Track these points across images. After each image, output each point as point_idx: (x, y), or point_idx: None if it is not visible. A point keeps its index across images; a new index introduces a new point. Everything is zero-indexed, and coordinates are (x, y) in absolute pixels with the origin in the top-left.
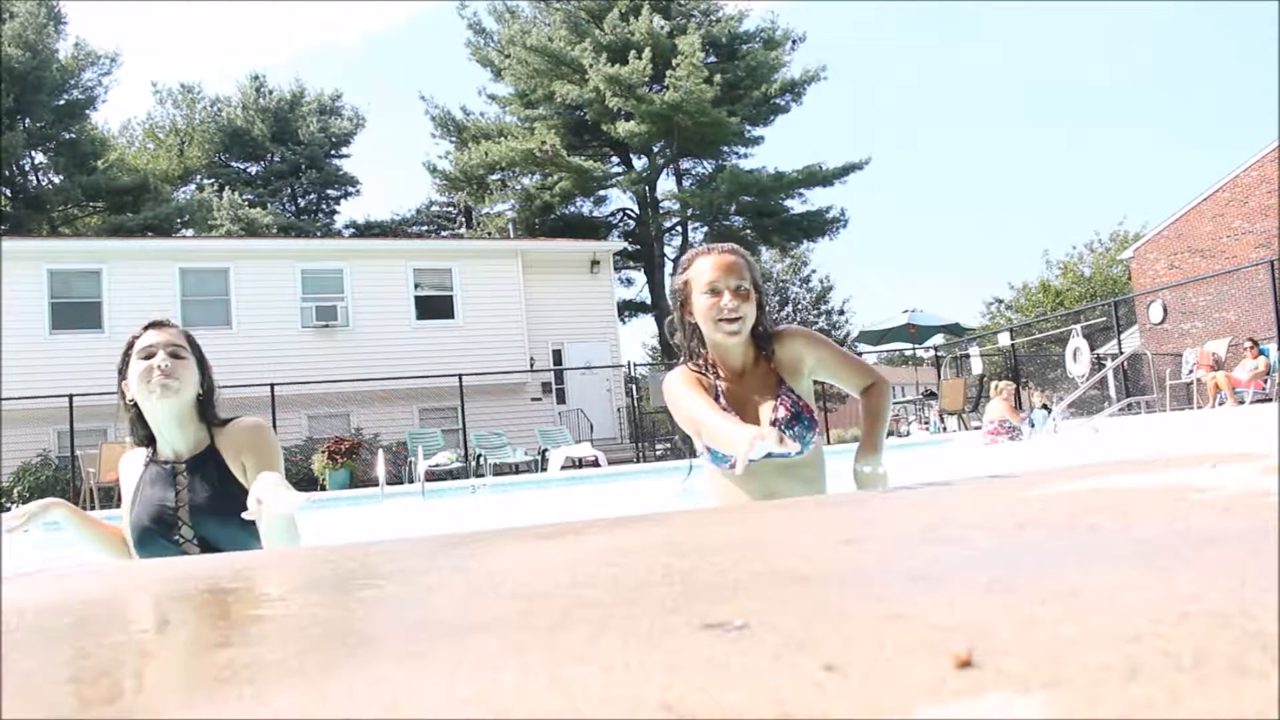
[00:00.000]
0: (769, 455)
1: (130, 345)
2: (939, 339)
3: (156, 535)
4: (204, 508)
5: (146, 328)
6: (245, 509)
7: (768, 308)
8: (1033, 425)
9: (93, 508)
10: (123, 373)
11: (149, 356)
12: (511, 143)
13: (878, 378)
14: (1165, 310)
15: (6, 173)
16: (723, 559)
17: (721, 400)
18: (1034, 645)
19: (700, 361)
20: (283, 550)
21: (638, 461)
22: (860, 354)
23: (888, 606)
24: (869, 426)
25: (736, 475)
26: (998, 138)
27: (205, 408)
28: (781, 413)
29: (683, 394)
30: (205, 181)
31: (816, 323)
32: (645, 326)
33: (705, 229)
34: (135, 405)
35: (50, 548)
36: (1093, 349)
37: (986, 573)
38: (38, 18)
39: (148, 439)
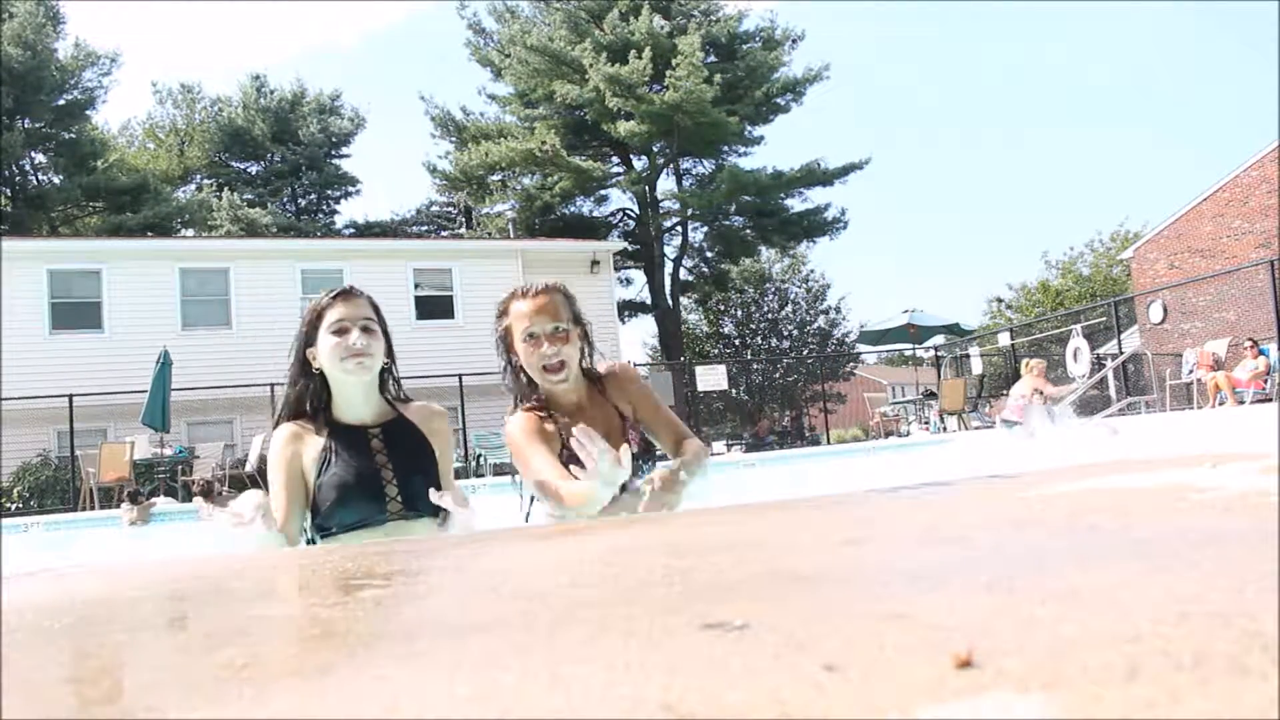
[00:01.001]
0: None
1: (319, 315)
2: (939, 339)
3: (362, 496)
4: (408, 468)
5: (335, 297)
6: (437, 473)
7: (591, 340)
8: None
9: (92, 508)
10: (310, 340)
11: (341, 332)
12: (511, 143)
13: (694, 436)
14: (1165, 310)
15: (6, 173)
16: (723, 559)
17: (566, 450)
18: (1034, 645)
19: (537, 402)
20: (281, 551)
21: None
22: (859, 354)
23: (888, 606)
24: (688, 456)
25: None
26: (998, 138)
27: (385, 377)
28: (636, 448)
29: (527, 450)
30: (205, 181)
31: (814, 322)
32: (645, 326)
33: (705, 229)
34: (320, 373)
35: (50, 548)
36: (1093, 349)
37: (986, 573)
38: (36, 17)
39: (318, 410)
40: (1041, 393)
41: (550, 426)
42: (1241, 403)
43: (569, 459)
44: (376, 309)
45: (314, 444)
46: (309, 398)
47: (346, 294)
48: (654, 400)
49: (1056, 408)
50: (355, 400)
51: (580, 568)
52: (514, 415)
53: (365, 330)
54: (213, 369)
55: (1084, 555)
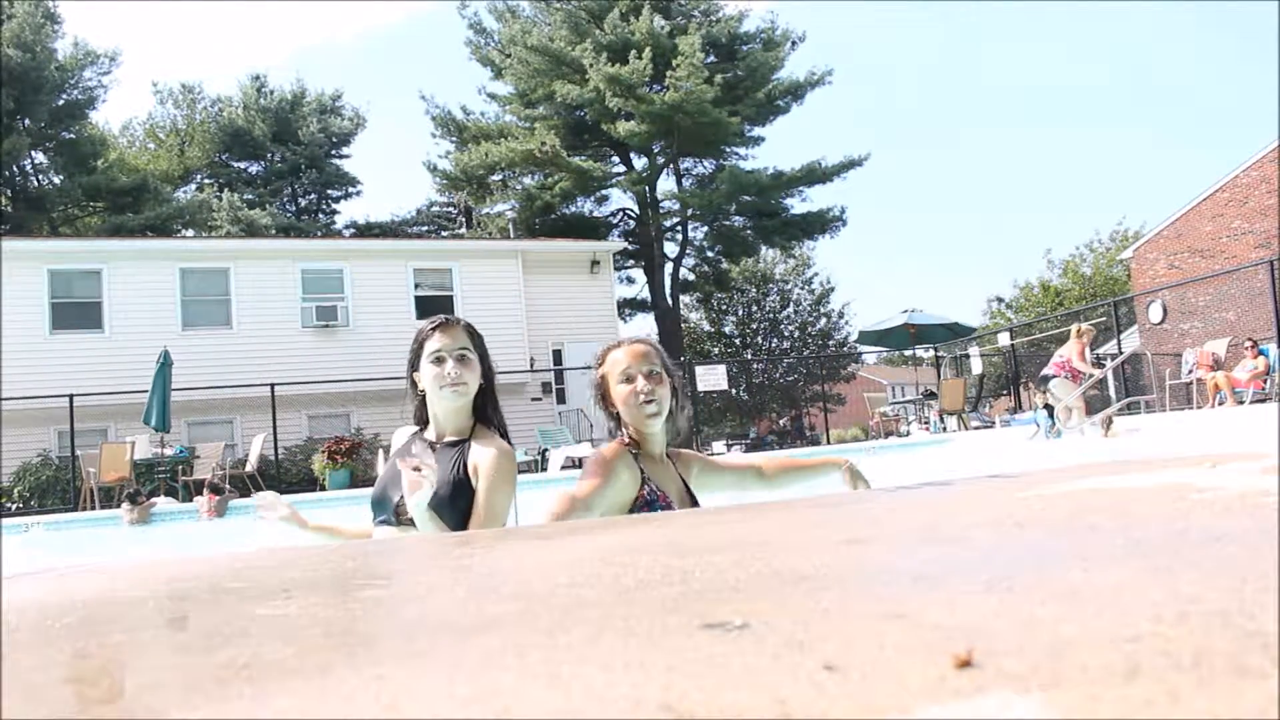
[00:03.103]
0: None
1: (421, 345)
2: (939, 339)
3: (384, 499)
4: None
5: (435, 329)
6: (468, 503)
7: (679, 392)
8: (1038, 426)
9: (92, 508)
10: (415, 366)
11: (439, 361)
12: (511, 143)
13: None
14: (1165, 310)
15: (7, 173)
16: (723, 559)
17: (648, 486)
18: (1034, 645)
19: (629, 441)
20: (281, 550)
21: None
22: (859, 354)
23: (888, 606)
24: (803, 461)
25: None
26: (998, 138)
27: (483, 397)
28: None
29: (589, 484)
30: (205, 181)
31: (817, 324)
32: (645, 326)
33: (705, 228)
34: (424, 394)
35: (50, 548)
36: (1093, 349)
37: (986, 573)
38: (34, 18)
39: (425, 421)
40: (1073, 368)
41: (634, 464)
42: (1241, 403)
43: (648, 498)
44: (473, 336)
45: (397, 445)
46: (417, 412)
47: (445, 325)
48: (713, 461)
49: (1060, 407)
50: (444, 418)
51: (580, 568)
52: (608, 445)
53: (460, 360)
54: (213, 369)
55: (1084, 555)
